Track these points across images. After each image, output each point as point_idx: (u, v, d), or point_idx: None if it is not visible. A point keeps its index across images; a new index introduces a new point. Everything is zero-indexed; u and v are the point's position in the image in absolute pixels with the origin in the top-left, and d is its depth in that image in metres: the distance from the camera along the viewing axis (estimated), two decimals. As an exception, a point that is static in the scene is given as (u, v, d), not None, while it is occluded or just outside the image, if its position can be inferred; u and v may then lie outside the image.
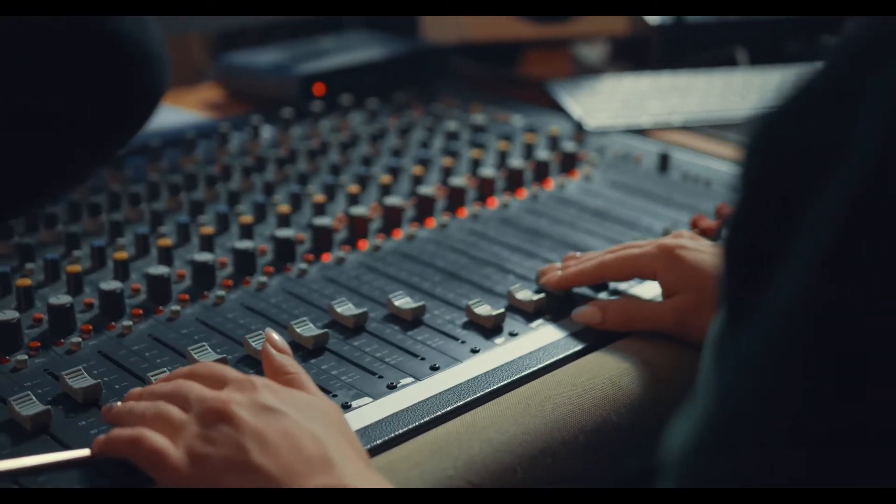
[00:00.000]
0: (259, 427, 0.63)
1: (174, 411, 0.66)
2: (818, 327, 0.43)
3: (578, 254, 0.93)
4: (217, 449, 0.62)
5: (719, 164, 1.21)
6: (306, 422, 0.64)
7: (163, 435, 0.65)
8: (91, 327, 0.83)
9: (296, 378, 0.69)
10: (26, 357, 0.78)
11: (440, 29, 1.54)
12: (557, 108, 1.40)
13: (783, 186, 0.46)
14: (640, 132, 1.33)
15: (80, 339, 0.81)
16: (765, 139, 0.48)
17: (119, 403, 0.70)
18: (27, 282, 0.86)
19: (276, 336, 0.73)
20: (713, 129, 1.34)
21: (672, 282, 0.85)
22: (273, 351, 0.71)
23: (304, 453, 0.61)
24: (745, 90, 1.45)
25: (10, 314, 0.80)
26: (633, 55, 1.65)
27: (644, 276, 0.88)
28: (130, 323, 0.84)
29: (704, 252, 0.85)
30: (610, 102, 1.40)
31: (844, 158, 0.43)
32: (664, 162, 1.20)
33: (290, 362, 0.71)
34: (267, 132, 1.27)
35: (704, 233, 1.00)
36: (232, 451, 0.62)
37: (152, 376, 0.75)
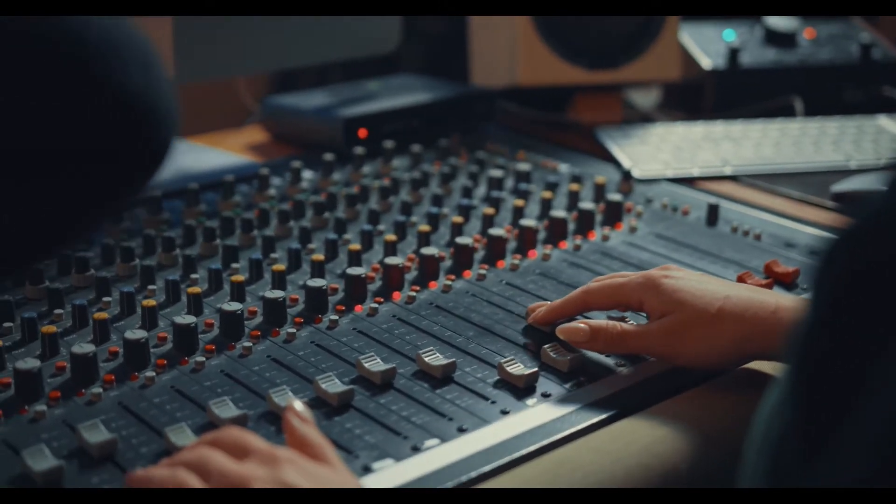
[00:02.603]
0: None
1: (193, 483, 0.64)
2: None
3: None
4: None
5: (771, 217, 1.17)
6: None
7: None
8: (113, 377, 0.81)
9: (319, 451, 0.66)
10: (45, 408, 0.77)
11: (490, 74, 1.52)
12: (606, 156, 1.37)
13: (872, 304, 0.45)
14: (690, 181, 1.29)
15: (101, 390, 0.79)
16: (850, 252, 0.47)
17: (141, 470, 0.68)
18: (52, 329, 0.85)
19: (298, 405, 0.70)
20: (766, 180, 1.30)
21: (657, 308, 0.85)
22: (296, 421, 0.68)
23: None
24: (801, 141, 1.41)
25: (32, 363, 0.79)
26: (686, 102, 1.62)
27: (629, 304, 0.88)
28: (154, 374, 0.82)
29: (689, 279, 0.86)
30: (660, 151, 1.37)
31: None
32: (713, 214, 1.16)
33: (313, 434, 0.68)
34: (308, 176, 1.26)
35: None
36: None
37: (170, 431, 0.73)
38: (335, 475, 0.65)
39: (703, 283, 0.85)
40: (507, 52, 1.48)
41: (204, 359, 0.84)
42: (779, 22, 1.65)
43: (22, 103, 0.48)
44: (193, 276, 0.99)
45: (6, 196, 0.49)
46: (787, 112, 1.54)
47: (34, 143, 0.48)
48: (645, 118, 1.58)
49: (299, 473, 0.63)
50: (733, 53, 1.57)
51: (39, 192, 0.50)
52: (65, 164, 0.49)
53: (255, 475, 0.63)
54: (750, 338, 0.82)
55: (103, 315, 0.88)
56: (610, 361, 0.86)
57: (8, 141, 0.48)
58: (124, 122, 0.50)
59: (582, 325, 0.86)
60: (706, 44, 1.61)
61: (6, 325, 0.88)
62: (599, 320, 0.87)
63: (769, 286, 0.99)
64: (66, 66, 0.48)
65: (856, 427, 0.45)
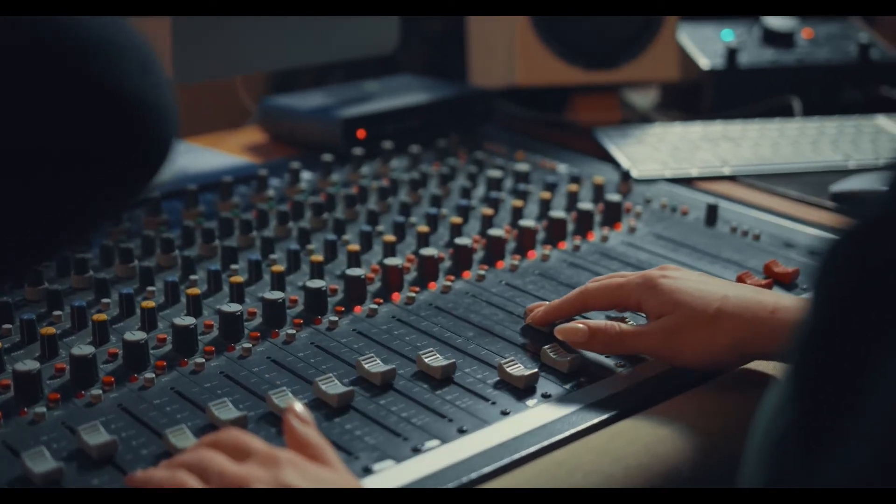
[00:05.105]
0: None
1: (192, 484, 0.64)
2: None
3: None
4: None
5: (769, 217, 1.18)
6: None
7: None
8: (113, 379, 0.81)
9: (319, 452, 0.66)
10: (45, 410, 0.77)
11: (488, 74, 1.52)
12: (604, 156, 1.37)
13: (872, 304, 0.45)
14: (689, 182, 1.29)
15: (100, 392, 0.79)
16: (850, 253, 0.47)
17: (140, 471, 0.68)
18: (52, 330, 0.85)
19: (298, 406, 0.70)
20: (764, 180, 1.30)
21: (655, 308, 0.85)
22: (295, 422, 0.68)
23: None
24: (800, 141, 1.41)
25: (31, 365, 0.79)
26: (684, 102, 1.62)
27: (626, 305, 0.88)
28: (153, 375, 0.82)
29: (688, 279, 0.86)
30: (658, 151, 1.37)
31: None
32: (712, 214, 1.16)
33: (313, 435, 0.68)
34: (307, 177, 1.26)
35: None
36: None
37: (170, 433, 0.73)
38: (335, 476, 0.65)
39: (701, 283, 0.85)
40: (504, 52, 1.48)
41: (203, 360, 0.84)
42: (777, 22, 1.65)
43: (19, 103, 0.48)
44: (193, 277, 0.99)
45: (2, 197, 0.49)
46: (785, 112, 1.54)
47: (32, 144, 0.48)
48: (643, 118, 1.58)
49: (299, 474, 0.63)
50: (731, 53, 1.57)
51: (37, 194, 0.49)
52: (62, 165, 0.49)
53: (255, 476, 0.63)
54: (748, 338, 0.81)
55: (102, 317, 0.87)
56: (610, 362, 0.86)
57: (5, 141, 0.48)
58: (122, 123, 0.50)
59: (580, 325, 0.86)
60: (704, 44, 1.61)
61: (5, 326, 0.88)
62: (598, 320, 0.87)
63: (769, 286, 0.99)
64: (63, 66, 0.48)
65: (856, 425, 0.45)
